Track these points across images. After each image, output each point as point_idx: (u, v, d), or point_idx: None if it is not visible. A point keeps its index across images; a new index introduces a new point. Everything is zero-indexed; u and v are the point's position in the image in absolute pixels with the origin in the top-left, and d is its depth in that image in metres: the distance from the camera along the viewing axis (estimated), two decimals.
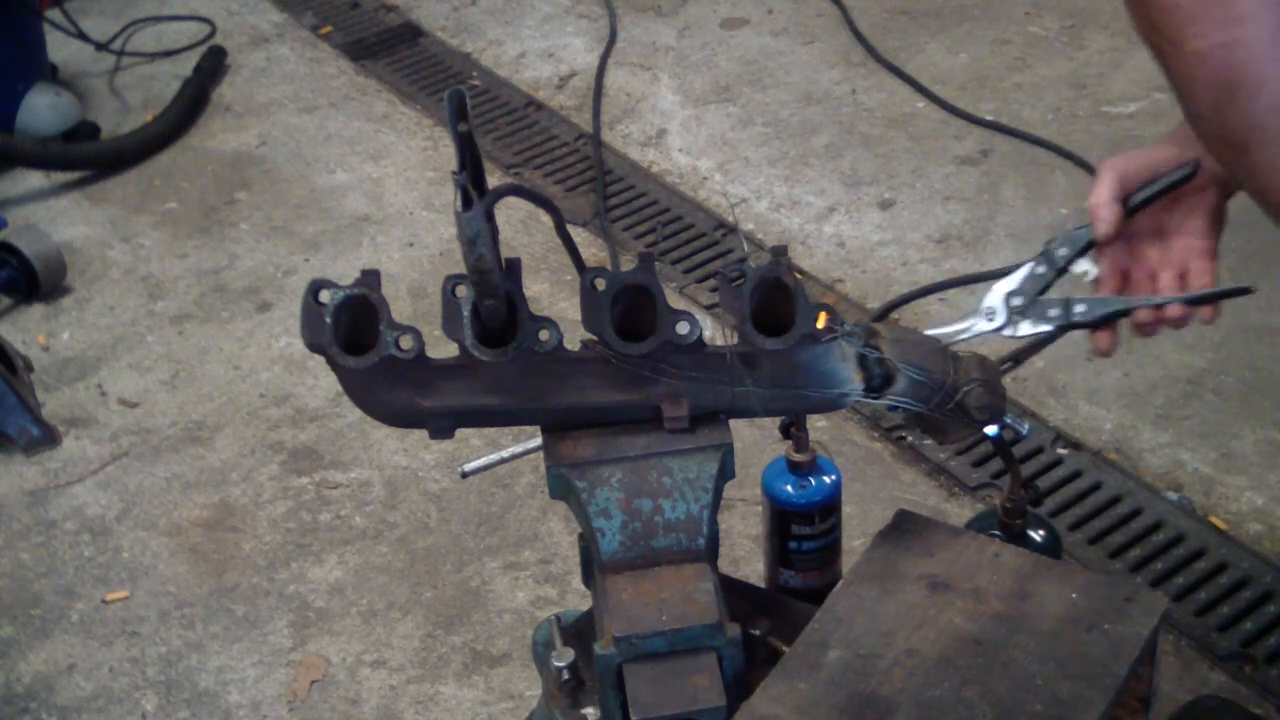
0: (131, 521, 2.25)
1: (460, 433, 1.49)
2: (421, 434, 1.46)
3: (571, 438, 1.44)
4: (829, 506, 1.72)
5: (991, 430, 1.57)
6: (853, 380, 1.44)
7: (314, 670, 1.99)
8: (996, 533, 1.70)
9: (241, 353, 2.56)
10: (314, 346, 1.40)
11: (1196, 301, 1.46)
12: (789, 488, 1.72)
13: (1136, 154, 1.49)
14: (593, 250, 2.71)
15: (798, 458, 1.71)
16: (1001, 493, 1.78)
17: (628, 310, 1.41)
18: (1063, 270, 1.51)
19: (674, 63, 3.24)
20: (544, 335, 1.40)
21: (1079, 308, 1.48)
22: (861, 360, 1.44)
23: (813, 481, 1.72)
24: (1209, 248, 1.50)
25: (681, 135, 3.01)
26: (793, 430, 1.71)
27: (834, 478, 1.72)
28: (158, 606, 2.11)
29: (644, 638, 1.34)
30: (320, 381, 2.44)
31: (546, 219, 1.60)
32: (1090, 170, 2.74)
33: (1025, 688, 1.30)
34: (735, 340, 1.41)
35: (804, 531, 1.73)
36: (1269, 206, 1.31)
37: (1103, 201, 1.46)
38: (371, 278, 1.41)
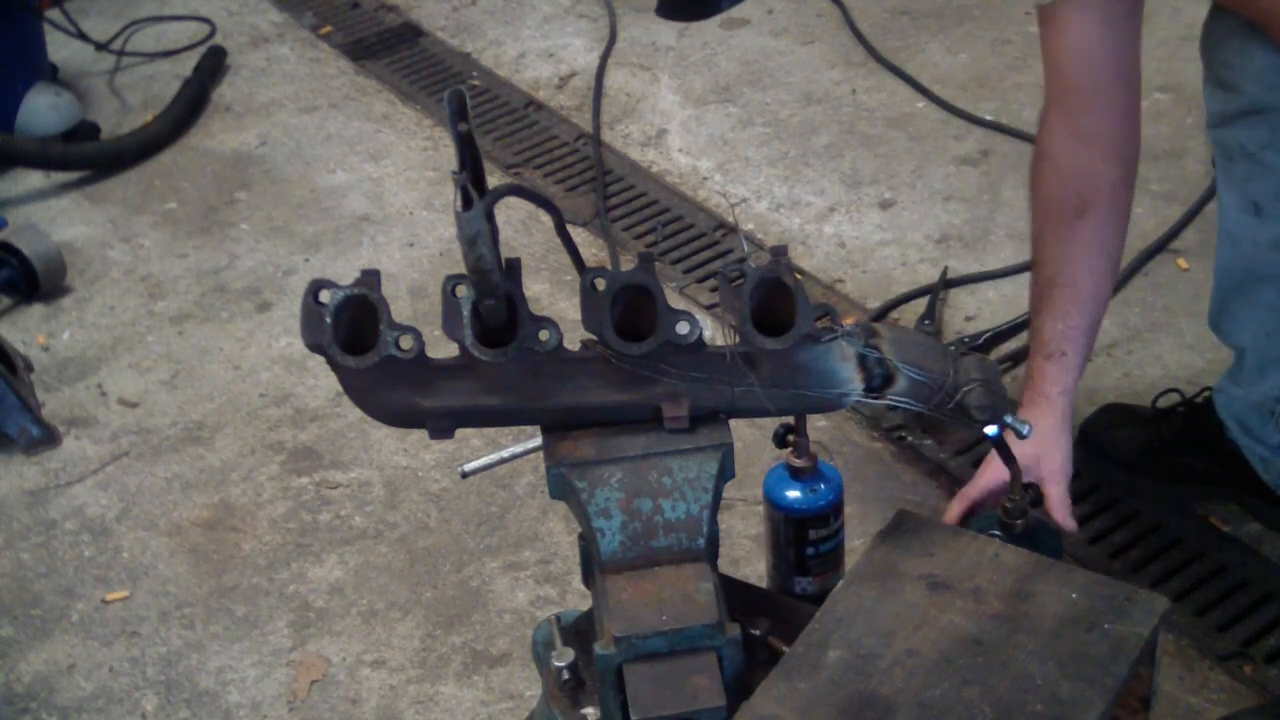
0: (131, 521, 2.25)
1: (460, 433, 1.49)
2: (421, 434, 1.46)
3: (571, 438, 1.44)
4: (839, 505, 1.73)
5: (991, 430, 1.57)
6: (853, 380, 1.44)
7: (314, 670, 1.99)
8: (996, 533, 1.70)
9: (241, 353, 2.56)
10: (314, 346, 1.40)
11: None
12: (798, 493, 1.71)
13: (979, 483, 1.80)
14: (593, 250, 2.70)
15: (801, 463, 1.70)
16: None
17: (628, 310, 1.41)
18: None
19: (674, 63, 3.24)
20: (544, 335, 1.40)
21: None
22: (861, 360, 1.44)
23: (821, 485, 1.72)
24: None
25: (681, 135, 3.01)
26: (791, 438, 1.70)
27: (836, 478, 1.73)
28: (158, 606, 2.10)
29: (644, 638, 1.34)
30: (320, 381, 2.44)
31: (546, 219, 1.60)
32: None
33: (1025, 688, 1.30)
34: (735, 340, 1.41)
35: (820, 534, 1.73)
36: None
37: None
38: (371, 278, 1.41)
